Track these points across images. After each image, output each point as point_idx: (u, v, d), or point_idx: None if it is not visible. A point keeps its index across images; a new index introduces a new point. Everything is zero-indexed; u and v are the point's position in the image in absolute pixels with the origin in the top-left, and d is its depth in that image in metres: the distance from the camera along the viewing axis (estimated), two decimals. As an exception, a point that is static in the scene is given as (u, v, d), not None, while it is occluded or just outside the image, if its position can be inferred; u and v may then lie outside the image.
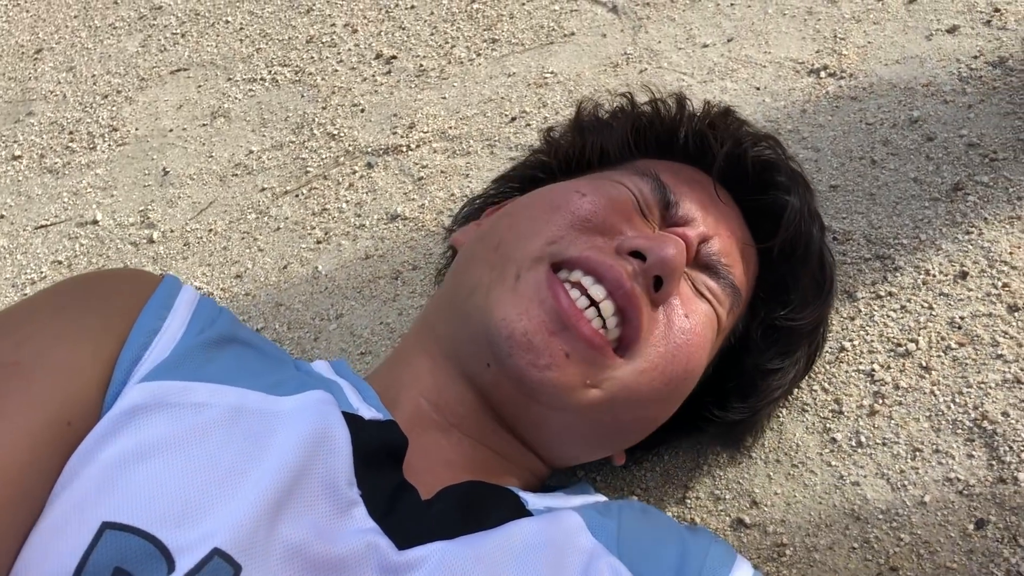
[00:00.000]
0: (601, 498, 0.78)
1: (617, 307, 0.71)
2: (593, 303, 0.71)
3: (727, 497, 0.87)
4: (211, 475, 0.59)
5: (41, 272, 1.34)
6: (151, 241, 1.34)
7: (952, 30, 1.27)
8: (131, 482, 0.58)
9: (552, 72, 1.42)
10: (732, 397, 0.85)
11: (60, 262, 1.35)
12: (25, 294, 1.31)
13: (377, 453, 0.67)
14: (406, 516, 0.64)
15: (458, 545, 0.63)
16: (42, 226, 1.43)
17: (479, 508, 0.68)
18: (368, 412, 0.71)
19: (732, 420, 0.86)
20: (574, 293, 0.70)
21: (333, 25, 1.68)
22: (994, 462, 0.83)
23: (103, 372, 0.65)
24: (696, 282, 0.77)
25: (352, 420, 0.67)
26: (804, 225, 0.83)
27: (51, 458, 0.59)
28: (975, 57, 1.23)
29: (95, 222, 1.40)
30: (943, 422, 0.87)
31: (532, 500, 0.72)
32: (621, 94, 0.94)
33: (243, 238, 1.30)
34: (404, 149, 1.36)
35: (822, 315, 0.87)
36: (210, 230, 1.33)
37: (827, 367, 0.94)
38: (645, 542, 0.71)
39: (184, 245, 1.32)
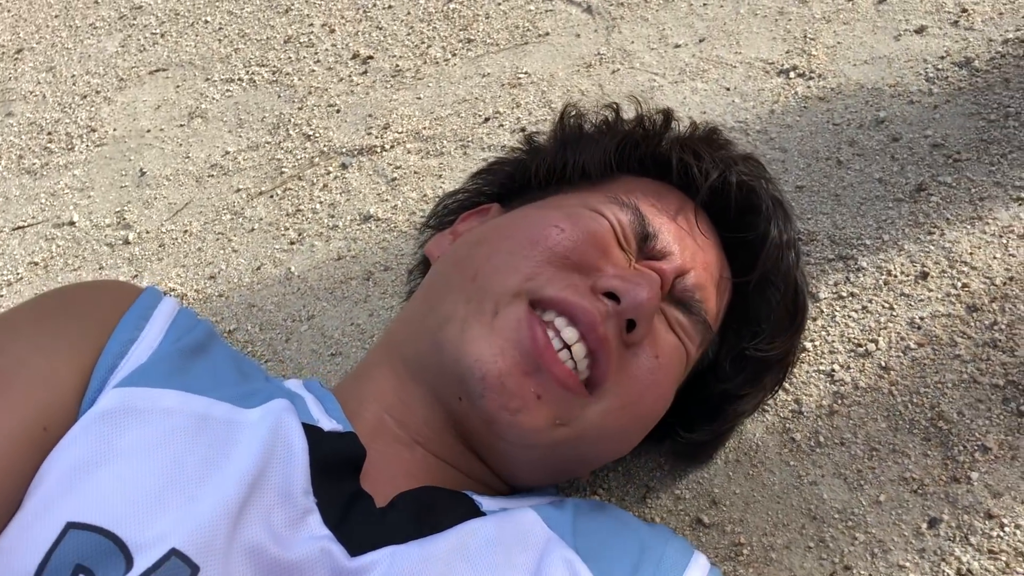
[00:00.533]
0: (557, 496, 0.79)
1: (589, 350, 0.71)
2: (566, 346, 0.71)
3: (687, 496, 0.88)
4: (173, 478, 0.61)
5: (17, 273, 1.35)
6: (127, 242, 1.35)
7: (920, 30, 1.28)
8: (96, 483, 0.60)
9: (526, 72, 1.43)
10: (698, 419, 0.86)
11: (36, 263, 1.35)
12: (2, 296, 1.32)
13: (334, 463, 0.68)
14: (360, 524, 0.65)
15: (409, 548, 0.64)
16: (19, 227, 1.43)
17: (433, 512, 0.69)
18: (328, 424, 0.72)
19: (697, 441, 0.86)
20: (549, 334, 0.70)
21: (311, 25, 1.69)
22: (948, 461, 0.84)
23: (80, 380, 0.68)
24: (671, 319, 0.77)
25: (311, 431, 0.69)
26: (783, 259, 0.82)
27: (25, 462, 0.62)
28: (942, 58, 1.24)
29: (72, 223, 1.41)
30: (900, 422, 0.88)
31: (487, 503, 0.72)
32: (607, 105, 0.93)
33: (218, 239, 1.31)
34: (378, 150, 1.37)
35: (792, 345, 0.86)
36: (185, 231, 1.34)
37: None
38: (601, 535, 0.72)
39: (159, 246, 1.33)
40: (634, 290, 0.71)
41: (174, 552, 0.56)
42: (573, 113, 0.92)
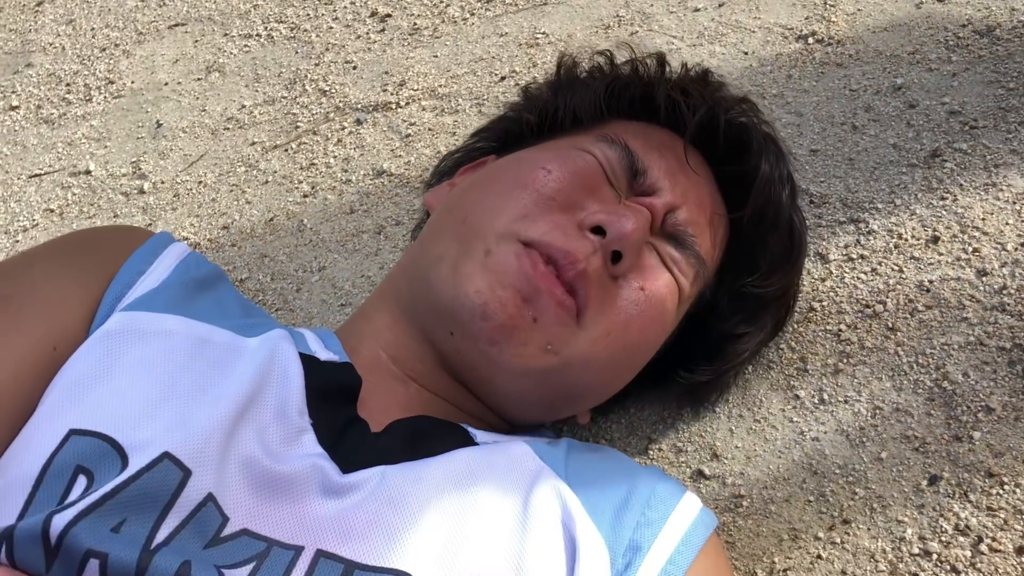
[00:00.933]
0: (554, 437, 0.80)
1: (569, 283, 0.71)
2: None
3: (689, 449, 0.89)
4: (171, 391, 0.65)
5: (33, 220, 1.36)
6: (142, 192, 1.36)
7: (942, -1, 1.27)
8: (97, 395, 0.65)
9: (544, 33, 1.42)
10: (698, 360, 0.86)
11: (52, 210, 1.37)
12: (17, 242, 1.33)
13: (329, 389, 0.70)
14: (354, 445, 0.67)
15: (399, 468, 0.65)
16: (36, 175, 1.45)
17: (426, 438, 0.70)
18: (325, 355, 0.74)
19: (698, 381, 0.87)
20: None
21: (330, -17, 1.69)
22: (951, 421, 0.84)
23: (89, 306, 0.73)
24: (663, 252, 0.77)
25: (308, 360, 0.71)
26: (774, 193, 0.82)
27: (35, 379, 0.67)
28: (963, 26, 1.23)
29: (88, 172, 1.42)
30: (905, 382, 0.88)
31: (481, 435, 0.74)
32: (600, 52, 0.94)
33: (232, 190, 1.32)
34: (393, 106, 1.37)
35: (790, 282, 0.87)
36: (200, 182, 1.35)
37: (795, 326, 0.95)
38: (593, 469, 0.73)
39: (174, 196, 1.33)
40: (619, 222, 0.72)
41: (167, 455, 0.59)
42: (569, 63, 0.93)
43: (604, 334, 0.73)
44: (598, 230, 0.73)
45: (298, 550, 0.59)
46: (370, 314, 0.81)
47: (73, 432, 0.61)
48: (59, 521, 0.54)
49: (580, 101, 0.87)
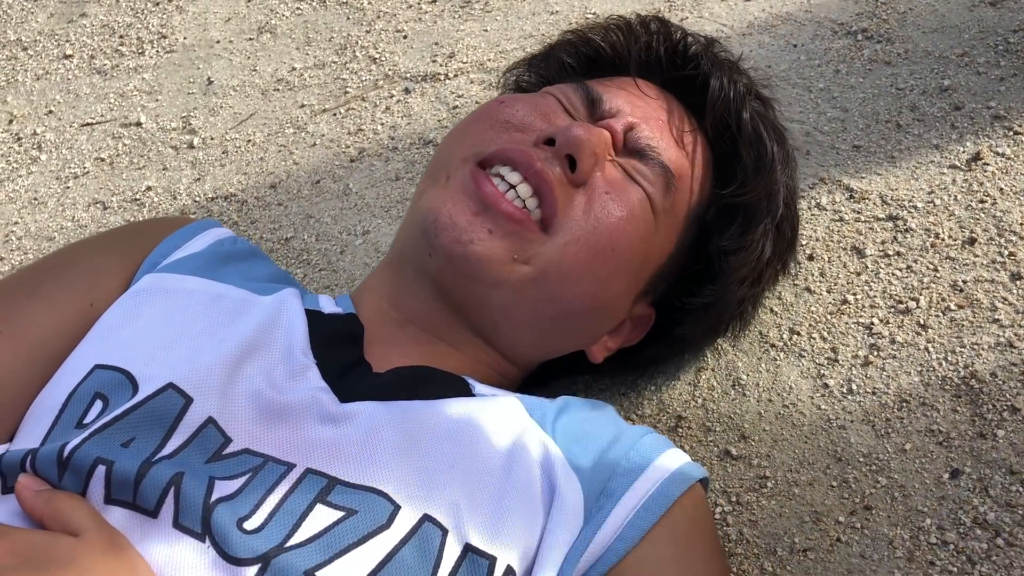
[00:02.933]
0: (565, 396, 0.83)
1: (532, 187, 0.76)
2: (511, 187, 0.77)
3: (717, 429, 0.91)
4: (184, 333, 0.75)
5: (84, 167, 1.39)
6: (191, 147, 1.39)
7: (995, 2, 1.28)
8: (121, 337, 0.76)
9: (594, 12, 1.44)
10: (700, 283, 0.88)
11: (103, 159, 1.40)
12: (68, 187, 1.36)
13: (333, 336, 0.78)
14: (355, 381, 0.74)
15: (394, 404, 0.72)
16: (88, 124, 1.48)
17: (425, 383, 0.76)
18: (330, 309, 0.82)
19: (703, 304, 0.88)
20: (496, 182, 0.77)
21: (384, -49, 1.70)
22: (976, 418, 0.86)
23: (127, 271, 0.84)
24: (628, 168, 0.81)
25: (312, 314, 0.79)
26: (732, 103, 0.86)
27: (71, 327, 0.78)
28: (1015, 31, 1.23)
29: (139, 124, 1.45)
30: (933, 377, 0.90)
31: (481, 388, 0.78)
32: (567, 31, 0.99)
33: (280, 151, 1.35)
34: (442, 78, 1.40)
35: (769, 188, 0.87)
36: (249, 140, 1.37)
37: (828, 317, 0.97)
38: (581, 425, 0.76)
39: (223, 153, 1.36)
40: (568, 130, 0.77)
41: (171, 385, 0.69)
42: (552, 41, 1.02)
43: (573, 240, 0.77)
44: (550, 142, 0.78)
45: (290, 466, 0.66)
46: (377, 270, 0.89)
47: (97, 367, 0.72)
48: (72, 444, 0.64)
49: (549, 68, 0.96)
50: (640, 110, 0.84)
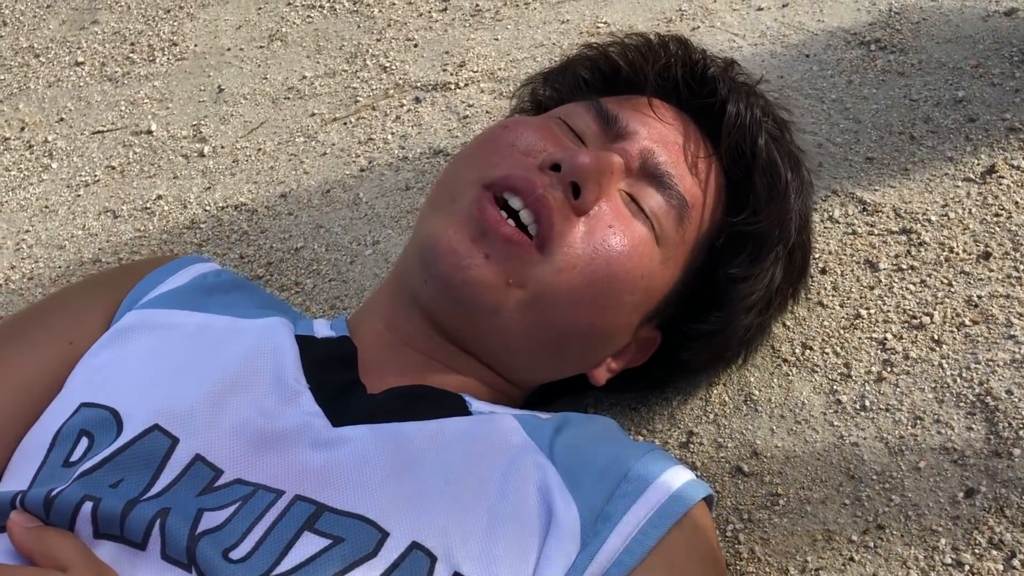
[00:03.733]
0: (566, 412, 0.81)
1: (532, 213, 0.76)
2: (514, 213, 0.76)
3: (729, 445, 0.91)
4: (168, 369, 0.75)
5: (95, 175, 1.39)
6: (202, 155, 1.39)
7: (1010, 13, 1.27)
8: (106, 375, 0.76)
9: (605, 22, 1.43)
10: (709, 309, 0.87)
11: (114, 167, 1.40)
12: (79, 195, 1.37)
13: (326, 360, 0.77)
14: (348, 403, 0.74)
15: (383, 429, 0.71)
16: (99, 132, 1.48)
17: (420, 403, 0.75)
18: (324, 334, 0.81)
19: (710, 331, 0.87)
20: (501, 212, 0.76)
21: (394, -42, 1.70)
22: (992, 436, 0.85)
23: (108, 310, 0.84)
24: (639, 196, 0.80)
25: (304, 339, 0.79)
26: (748, 130, 0.85)
27: (53, 367, 0.79)
28: (1029, 42, 1.22)
29: (149, 132, 1.45)
30: (947, 394, 0.89)
31: (479, 405, 0.77)
32: (585, 46, 0.98)
33: (290, 160, 1.35)
34: (452, 87, 1.39)
35: (782, 217, 0.86)
36: (259, 149, 1.37)
37: (841, 332, 0.96)
38: (580, 445, 0.75)
39: (233, 161, 1.36)
40: (574, 156, 0.76)
41: (156, 427, 0.70)
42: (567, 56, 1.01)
43: (570, 267, 0.76)
44: (556, 167, 0.77)
45: (279, 493, 0.66)
46: (376, 293, 0.89)
47: (83, 405, 0.73)
48: (59, 487, 0.65)
49: (564, 82, 0.95)
50: (656, 132, 0.83)
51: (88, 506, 0.63)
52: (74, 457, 0.69)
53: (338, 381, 0.76)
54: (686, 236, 0.83)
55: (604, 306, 0.79)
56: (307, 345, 0.78)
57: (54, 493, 0.64)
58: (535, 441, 0.74)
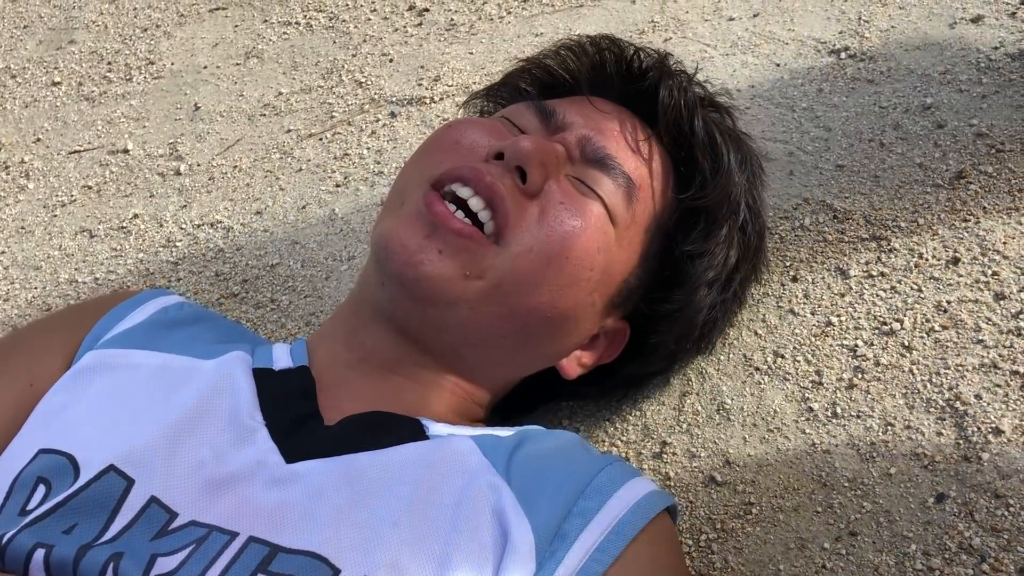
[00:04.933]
0: (532, 427, 0.81)
1: (483, 200, 0.77)
2: (463, 204, 0.77)
3: (702, 455, 0.91)
4: (125, 410, 0.75)
5: (72, 196, 1.39)
6: (178, 173, 1.39)
7: (976, 20, 1.28)
8: (63, 420, 0.76)
9: (578, 34, 1.44)
10: (671, 288, 0.88)
11: (90, 187, 1.40)
12: (55, 215, 1.36)
13: (282, 393, 0.77)
14: (305, 437, 0.73)
15: (336, 463, 0.71)
16: (75, 151, 1.48)
17: (376, 431, 0.74)
18: (282, 365, 0.81)
19: (673, 310, 0.88)
20: (447, 201, 0.77)
21: (370, -26, 1.71)
22: (961, 441, 0.86)
23: (69, 349, 0.84)
24: (586, 179, 0.81)
25: (261, 373, 0.79)
26: (684, 109, 0.87)
27: (12, 410, 0.79)
28: (996, 48, 1.24)
29: (126, 151, 1.45)
30: (918, 400, 0.90)
31: (436, 428, 0.76)
32: (522, 59, 1.01)
33: (266, 176, 1.35)
34: (428, 101, 1.40)
35: (728, 190, 0.88)
36: (235, 166, 1.38)
37: (812, 339, 0.97)
38: (537, 462, 0.73)
39: (209, 179, 1.36)
40: (515, 142, 0.78)
41: (112, 468, 0.69)
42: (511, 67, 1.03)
43: (527, 250, 0.77)
44: (500, 156, 0.79)
45: (233, 535, 0.66)
46: (334, 315, 0.89)
47: (41, 451, 0.72)
48: (10, 533, 0.65)
49: (506, 94, 0.99)
50: (593, 122, 0.85)
51: (40, 553, 0.63)
52: (31, 505, 0.69)
53: (293, 415, 0.75)
54: (637, 216, 0.84)
55: (564, 284, 0.79)
56: (264, 379, 0.78)
57: (5, 539, 0.64)
58: (491, 461, 0.72)
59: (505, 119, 0.87)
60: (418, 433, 0.75)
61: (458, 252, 0.75)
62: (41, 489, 0.69)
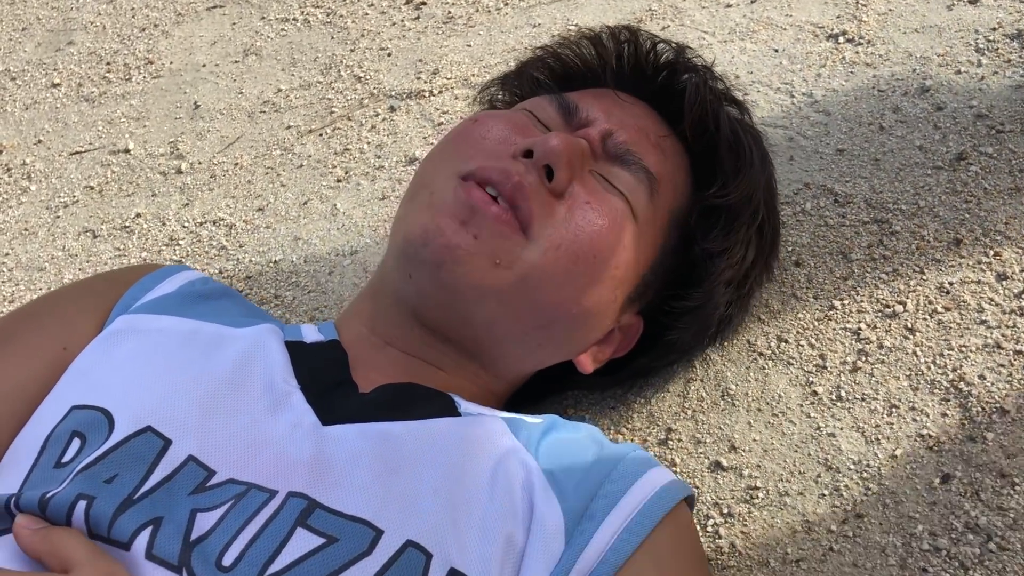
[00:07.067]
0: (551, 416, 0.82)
1: (509, 198, 0.77)
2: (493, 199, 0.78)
3: (707, 440, 0.91)
4: (159, 371, 0.75)
5: (74, 196, 1.40)
6: (179, 172, 1.39)
7: (974, 1, 1.28)
8: (95, 378, 0.76)
9: (576, 24, 1.44)
10: (690, 287, 0.89)
11: (92, 187, 1.40)
12: (58, 217, 1.37)
13: (316, 363, 0.78)
14: (339, 401, 0.74)
15: (372, 429, 0.72)
16: (76, 152, 1.48)
17: (410, 402, 0.76)
18: (313, 339, 0.82)
19: (691, 308, 0.89)
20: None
21: (366, -31, 1.71)
22: (966, 421, 0.86)
23: (100, 316, 0.85)
24: (609, 175, 0.82)
25: (293, 345, 0.79)
26: (710, 105, 0.87)
27: (45, 372, 0.79)
28: (994, 29, 1.23)
29: (127, 151, 1.45)
30: (922, 381, 0.90)
31: (467, 406, 0.78)
32: (538, 48, 1.00)
33: (267, 173, 1.35)
34: (427, 94, 1.40)
35: (750, 188, 0.88)
36: (236, 164, 1.38)
37: (815, 323, 0.97)
38: (565, 446, 0.76)
39: (211, 177, 1.37)
40: (544, 140, 0.78)
41: (149, 428, 0.70)
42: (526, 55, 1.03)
43: (554, 246, 0.77)
44: (528, 154, 0.79)
45: (272, 493, 0.67)
46: (359, 297, 0.90)
47: (74, 407, 0.73)
48: (54, 489, 0.65)
49: (522, 84, 0.98)
50: (616, 117, 0.85)
51: (82, 507, 0.64)
52: (66, 458, 0.69)
53: (329, 380, 0.77)
54: (658, 211, 0.85)
55: (590, 282, 0.80)
56: (297, 350, 0.79)
57: (49, 495, 0.64)
58: (522, 441, 0.75)
59: (528, 112, 0.86)
60: (450, 408, 0.77)
61: (493, 237, 0.76)
62: (76, 443, 0.70)
